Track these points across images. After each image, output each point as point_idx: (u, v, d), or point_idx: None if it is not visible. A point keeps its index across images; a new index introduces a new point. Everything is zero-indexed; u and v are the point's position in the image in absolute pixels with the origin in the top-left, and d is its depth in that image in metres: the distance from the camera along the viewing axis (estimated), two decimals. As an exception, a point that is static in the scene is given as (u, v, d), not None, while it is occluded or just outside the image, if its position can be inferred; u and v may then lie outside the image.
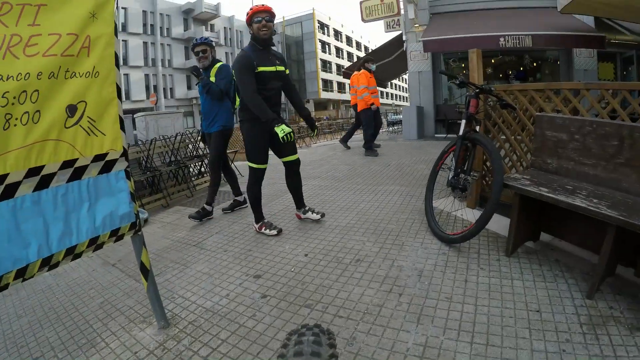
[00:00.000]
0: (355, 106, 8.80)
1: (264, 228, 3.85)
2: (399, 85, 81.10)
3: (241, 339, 2.25)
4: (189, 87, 44.18)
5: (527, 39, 8.28)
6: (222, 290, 2.88)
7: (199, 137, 5.15)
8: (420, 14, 11.58)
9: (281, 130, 3.31)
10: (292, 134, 3.35)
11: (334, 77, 57.00)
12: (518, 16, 9.95)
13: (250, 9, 3.48)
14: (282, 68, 3.69)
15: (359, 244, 3.36)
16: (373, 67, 8.61)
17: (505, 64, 12.38)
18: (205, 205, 4.68)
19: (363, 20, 12.94)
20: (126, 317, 2.74)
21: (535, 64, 12.04)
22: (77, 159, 2.11)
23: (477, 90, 3.37)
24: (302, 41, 52.59)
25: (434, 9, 11.78)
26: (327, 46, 57.26)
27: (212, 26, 46.75)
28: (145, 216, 5.09)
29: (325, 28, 57.18)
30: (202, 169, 7.37)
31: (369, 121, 8.52)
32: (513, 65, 12.26)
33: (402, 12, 12.22)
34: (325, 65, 56.13)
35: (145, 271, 2.45)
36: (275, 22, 3.56)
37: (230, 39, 49.50)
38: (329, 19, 58.13)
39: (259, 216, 3.93)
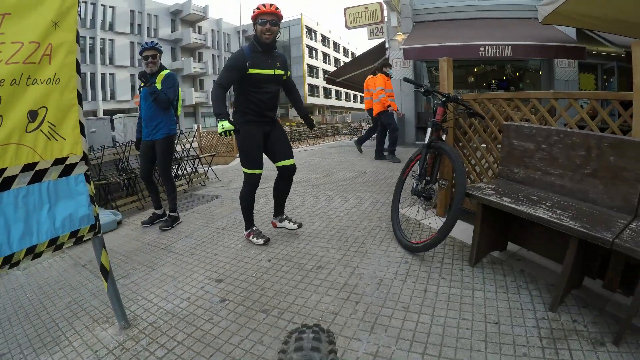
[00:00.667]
0: (370, 110, 8.53)
1: (252, 236, 3.66)
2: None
3: (196, 342, 2.27)
4: (175, 89, 43.94)
5: (507, 48, 8.32)
6: (183, 293, 2.89)
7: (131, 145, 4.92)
8: (403, 22, 11.60)
9: (220, 126, 3.10)
10: (231, 131, 3.11)
11: (320, 82, 56.96)
12: (499, 26, 10.06)
13: (257, 8, 3.31)
14: (281, 72, 3.51)
15: (323, 250, 3.32)
16: (391, 71, 8.43)
17: (488, 73, 12.50)
18: (170, 213, 4.64)
19: (347, 26, 12.91)
20: (90, 316, 2.78)
21: (517, 74, 12.17)
22: (37, 162, 2.18)
23: (444, 99, 3.34)
24: (290, 46, 52.43)
25: (417, 18, 11.81)
26: (314, 51, 57.35)
27: (199, 28, 46.59)
28: (119, 218, 5.00)
29: (313, 33, 57.24)
30: (179, 172, 7.25)
31: (392, 123, 8.10)
32: (495, 75, 12.37)
33: (386, 19, 12.24)
34: (312, 71, 56.20)
35: (105, 272, 2.50)
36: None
37: (217, 41, 49.39)
38: (317, 24, 58.19)
39: (249, 224, 3.75)
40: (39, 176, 2.22)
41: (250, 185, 3.59)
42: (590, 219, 2.13)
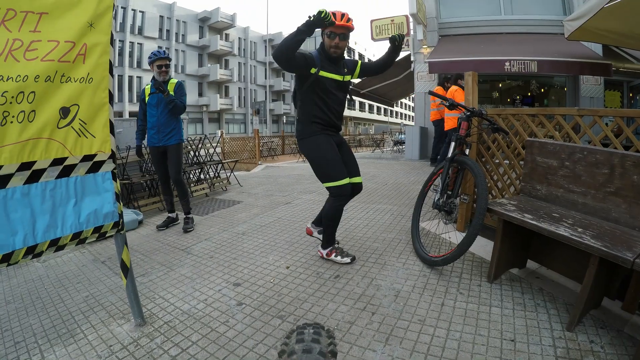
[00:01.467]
0: (436, 121, 8.69)
1: (335, 254, 3.27)
2: (408, 105, 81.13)
3: (210, 343, 2.29)
4: (200, 94, 44.72)
5: (532, 64, 8.23)
6: (201, 295, 2.92)
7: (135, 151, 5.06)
8: (429, 35, 11.61)
9: (318, 13, 2.69)
10: (326, 11, 2.69)
11: (343, 94, 57.36)
12: (525, 42, 9.96)
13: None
14: (348, 77, 3.23)
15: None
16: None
17: (513, 88, 12.36)
18: (186, 216, 4.75)
19: (373, 38, 12.92)
20: (107, 312, 2.81)
21: (542, 90, 12.01)
22: (66, 158, 2.25)
23: (468, 113, 3.33)
24: None
25: (442, 32, 11.80)
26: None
27: (227, 35, 47.32)
28: (140, 218, 5.12)
29: (351, 52, 56.98)
30: (202, 176, 7.36)
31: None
32: (520, 90, 12.23)
33: (412, 32, 12.23)
34: None
35: (125, 269, 2.55)
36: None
37: (244, 49, 50.04)
38: (355, 43, 58.01)
39: (331, 240, 3.32)
40: (67, 171, 2.29)
41: (341, 198, 3.10)
42: (611, 238, 2.10)
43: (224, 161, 7.94)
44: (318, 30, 3.04)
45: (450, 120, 7.81)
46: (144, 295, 3.00)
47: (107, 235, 2.50)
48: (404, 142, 17.23)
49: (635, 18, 5.23)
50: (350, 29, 2.99)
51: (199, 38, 44.62)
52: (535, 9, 11.07)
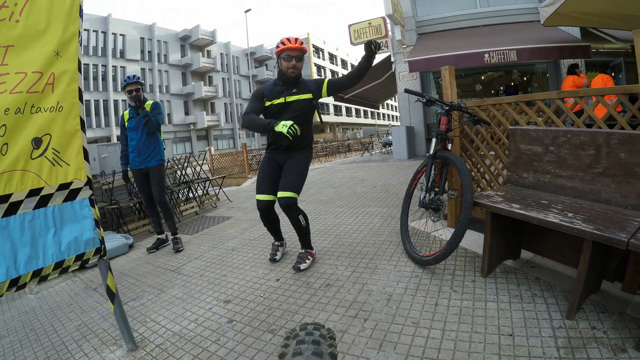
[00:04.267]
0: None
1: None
2: (394, 106, 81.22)
3: None
4: (187, 113, 44.62)
5: (511, 53, 8.28)
6: (191, 315, 2.90)
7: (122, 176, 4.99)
8: (407, 35, 11.70)
9: (282, 126, 2.91)
10: (294, 126, 2.90)
11: (330, 100, 57.05)
12: (503, 32, 10.04)
13: (282, 43, 3.25)
14: (295, 97, 3.30)
15: (332, 268, 3.26)
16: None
17: (495, 80, 12.45)
18: (172, 237, 4.70)
19: (352, 43, 13.00)
20: (99, 339, 2.80)
21: (525, 78, 12.09)
22: (42, 188, 2.26)
23: (447, 108, 3.28)
24: None
25: (420, 30, 11.91)
26: (322, 70, 57.74)
27: (208, 52, 47.43)
28: (131, 241, 5.07)
29: (321, 52, 57.76)
30: (190, 195, 7.27)
31: None
32: (503, 81, 12.32)
33: (390, 33, 12.29)
34: None
35: (111, 295, 2.54)
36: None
37: (226, 64, 50.12)
38: (324, 42, 58.66)
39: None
40: (44, 201, 2.27)
41: (259, 211, 3.40)
42: (603, 220, 2.05)
43: (211, 178, 7.86)
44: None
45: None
46: (135, 320, 2.97)
47: (90, 262, 2.49)
48: (391, 143, 17.29)
49: None
50: (304, 51, 3.33)
51: (181, 57, 44.65)
52: (510, -2, 11.16)
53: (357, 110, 66.07)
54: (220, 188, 7.98)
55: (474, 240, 3.24)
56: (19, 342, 2.88)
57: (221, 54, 49.19)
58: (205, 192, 7.57)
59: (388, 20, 11.79)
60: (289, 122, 2.92)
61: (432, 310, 2.36)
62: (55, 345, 2.80)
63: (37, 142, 2.23)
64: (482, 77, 12.48)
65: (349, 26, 13.18)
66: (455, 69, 3.76)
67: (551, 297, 2.35)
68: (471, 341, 2.00)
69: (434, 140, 3.24)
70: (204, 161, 8.60)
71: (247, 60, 52.04)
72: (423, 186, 3.27)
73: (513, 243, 2.86)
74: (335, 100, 18.59)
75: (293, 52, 3.25)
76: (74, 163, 2.41)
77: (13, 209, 2.14)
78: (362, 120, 68.67)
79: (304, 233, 3.41)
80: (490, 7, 11.33)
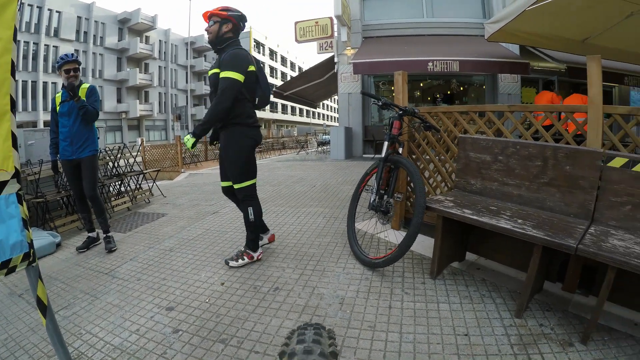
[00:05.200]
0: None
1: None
2: (331, 106, 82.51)
3: None
4: (119, 100, 42.44)
5: (454, 64, 8.65)
6: (132, 325, 2.67)
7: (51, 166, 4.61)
8: (352, 37, 11.87)
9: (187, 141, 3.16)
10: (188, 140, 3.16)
11: (266, 97, 57.58)
12: (447, 43, 10.47)
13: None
14: (212, 71, 3.25)
15: (279, 270, 3.20)
16: None
17: (434, 87, 12.97)
18: (106, 235, 4.35)
19: (297, 40, 12.98)
20: (30, 356, 2.51)
21: (462, 88, 12.70)
22: None
23: (401, 112, 3.32)
24: None
25: (366, 33, 12.12)
26: (262, 65, 57.34)
27: (147, 38, 45.41)
28: (58, 240, 4.58)
29: (261, 47, 57.33)
30: (122, 189, 6.85)
31: None
32: (441, 89, 12.87)
33: (336, 34, 12.43)
34: None
35: (42, 307, 2.22)
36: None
37: (164, 52, 48.26)
38: (265, 38, 58.37)
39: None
40: None
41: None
42: (550, 227, 2.19)
43: (145, 171, 7.46)
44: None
45: None
46: (68, 332, 2.70)
47: (17, 269, 2.14)
48: (328, 143, 17.44)
49: (550, 20, 5.68)
50: (204, 17, 3.35)
51: (118, 40, 42.34)
52: (456, 12, 11.76)
53: (293, 108, 66.39)
54: (154, 182, 7.60)
55: (418, 243, 3.27)
56: None
57: (160, 40, 47.30)
58: (138, 186, 7.17)
59: (335, 21, 11.89)
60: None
61: (386, 313, 2.38)
62: None
63: None
64: (421, 84, 12.94)
65: (295, 23, 13.09)
66: (394, 73, 3.84)
67: (499, 297, 2.48)
68: (429, 342, 2.06)
69: (385, 143, 3.26)
70: (138, 152, 8.17)
71: (187, 49, 50.49)
72: (373, 189, 3.29)
73: (459, 246, 2.98)
74: (274, 97, 18.50)
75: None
76: (1, 150, 2.10)
77: None
78: (297, 118, 69.09)
79: (249, 229, 3.32)
80: (435, 18, 11.78)
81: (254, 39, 53.97)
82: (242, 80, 3.11)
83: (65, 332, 2.63)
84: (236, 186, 3.27)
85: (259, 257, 3.44)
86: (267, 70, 57.90)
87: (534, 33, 6.28)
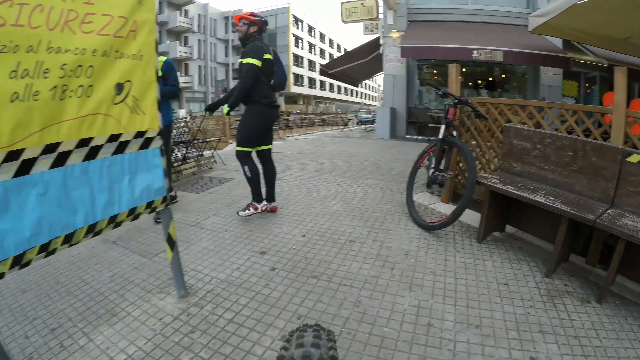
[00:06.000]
0: None
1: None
2: (370, 85, 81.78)
3: (260, 304, 2.50)
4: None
5: (498, 54, 8.91)
6: (232, 264, 3.07)
7: None
8: (398, 20, 12.12)
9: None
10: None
11: (305, 72, 57.12)
12: (491, 31, 10.61)
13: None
14: (239, 61, 4.06)
15: (350, 227, 3.75)
16: None
17: (476, 73, 13.09)
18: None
19: (343, 20, 13.29)
20: (141, 288, 2.83)
21: (504, 76, 12.82)
22: (121, 134, 2.26)
23: (456, 101, 3.88)
24: (276, 34, 52.07)
25: (411, 17, 12.30)
26: (300, 41, 57.11)
27: (186, 12, 45.90)
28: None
29: (300, 23, 56.98)
30: (187, 155, 7.50)
31: None
32: (483, 76, 13.01)
33: (381, 16, 12.69)
34: (297, 60, 56.00)
35: (171, 242, 2.59)
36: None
37: (204, 26, 48.75)
38: (304, 14, 58.06)
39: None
40: (122, 147, 2.28)
41: None
42: (576, 205, 2.71)
43: (208, 139, 8.13)
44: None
45: None
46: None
47: (157, 209, 2.53)
48: (369, 121, 17.58)
49: (595, 16, 5.92)
50: (235, 20, 4.11)
51: (158, 14, 42.95)
52: (501, 0, 11.75)
53: (332, 85, 66.10)
54: (215, 150, 8.23)
55: (466, 215, 3.72)
56: (47, 295, 2.80)
57: (199, 14, 47.71)
58: (200, 152, 7.78)
59: (381, 3, 12.18)
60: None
61: (443, 264, 2.96)
62: (93, 297, 2.78)
63: (119, 87, 2.21)
64: (464, 69, 13.06)
65: (342, 3, 13.36)
66: (441, 60, 4.35)
67: (532, 261, 3.02)
68: (478, 286, 2.63)
69: (442, 126, 3.83)
70: (202, 123, 8.83)
71: (225, 23, 50.93)
72: (430, 165, 3.87)
73: (501, 218, 3.51)
74: (320, 74, 18.75)
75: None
76: (149, 112, 2.41)
77: (93, 153, 2.11)
78: (335, 95, 68.76)
79: (249, 184, 4.13)
80: (480, 5, 11.89)
81: (293, 15, 53.62)
82: (259, 65, 3.86)
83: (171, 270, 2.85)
84: (237, 148, 4.10)
85: (263, 209, 4.20)
86: (305, 46, 57.19)
87: (578, 28, 6.50)
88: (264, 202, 4.21)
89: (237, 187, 5.60)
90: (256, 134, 4.06)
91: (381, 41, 12.80)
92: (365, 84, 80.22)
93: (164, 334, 2.33)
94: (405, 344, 2.09)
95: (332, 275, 2.83)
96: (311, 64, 58.91)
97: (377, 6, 12.76)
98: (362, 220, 3.97)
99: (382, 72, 13.78)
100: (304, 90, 58.00)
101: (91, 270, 3.21)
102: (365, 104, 45.45)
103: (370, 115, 21.24)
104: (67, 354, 2.28)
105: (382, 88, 14.37)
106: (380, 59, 13.28)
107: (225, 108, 3.93)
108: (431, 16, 12.24)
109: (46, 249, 1.95)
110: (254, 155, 4.15)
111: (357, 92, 75.96)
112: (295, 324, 2.30)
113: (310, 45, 60.68)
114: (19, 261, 1.84)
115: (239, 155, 4.05)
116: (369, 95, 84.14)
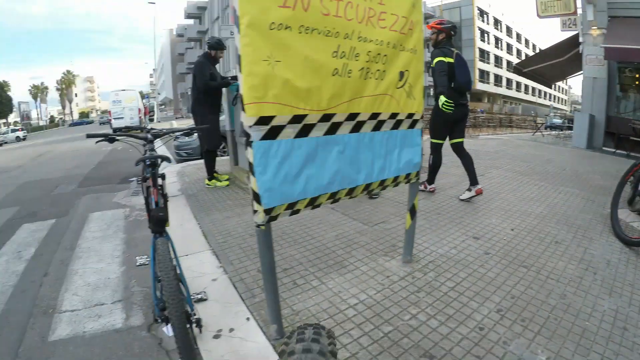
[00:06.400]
0: None
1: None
2: (560, 87, 72.92)
3: (478, 280, 2.85)
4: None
5: None
6: (448, 243, 3.47)
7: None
8: (598, 15, 11.03)
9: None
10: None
11: (492, 68, 53.86)
12: None
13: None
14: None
15: (555, 230, 4.04)
16: None
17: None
18: None
19: (538, 15, 12.68)
20: (367, 249, 3.22)
21: None
22: (398, 114, 2.62)
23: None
24: (460, 27, 48.90)
25: (612, 12, 11.01)
26: (486, 35, 53.66)
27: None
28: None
29: (485, 15, 53.54)
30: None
31: None
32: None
33: (579, 11, 11.74)
34: (483, 55, 52.91)
35: (413, 212, 3.00)
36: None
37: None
38: (489, 5, 54.26)
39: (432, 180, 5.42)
40: (397, 124, 2.61)
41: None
42: None
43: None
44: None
45: None
46: (396, 240, 3.44)
47: (411, 181, 2.89)
48: (561, 127, 16.27)
49: None
50: (432, 29, 5.05)
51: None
52: None
53: (518, 84, 61.02)
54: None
55: None
56: (275, 242, 2.79)
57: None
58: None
59: (580, -3, 11.07)
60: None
61: None
62: (321, 249, 3.19)
63: (401, 75, 2.51)
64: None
65: (538, -4, 12.63)
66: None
67: None
68: None
69: None
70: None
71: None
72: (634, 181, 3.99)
73: None
74: (513, 72, 17.53)
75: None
76: (418, 98, 2.71)
77: (379, 126, 2.45)
78: (522, 95, 63.18)
79: (428, 169, 5.31)
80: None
81: (477, 7, 50.62)
82: (445, 61, 4.70)
83: (392, 239, 3.40)
84: (430, 139, 5.08)
85: (431, 190, 5.33)
86: (491, 40, 53.34)
87: None
88: (434, 185, 5.38)
89: (440, 177, 5.85)
90: (439, 128, 5.00)
91: (580, 39, 11.80)
92: (555, 84, 72.20)
93: (392, 289, 2.71)
94: (602, 339, 2.31)
95: (541, 269, 3.14)
96: (497, 60, 55.24)
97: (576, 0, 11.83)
98: (566, 225, 4.22)
99: (577, 74, 12.91)
100: (490, 87, 54.71)
101: (316, 228, 3.75)
102: (555, 108, 40.54)
103: (561, 121, 19.45)
104: (300, 290, 2.67)
105: (573, 90, 13.12)
106: (576, 58, 12.32)
107: (441, 99, 4.72)
108: (635, 11, 10.68)
109: (334, 197, 2.32)
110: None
111: (545, 93, 69.14)
112: (509, 302, 2.64)
113: (497, 39, 56.58)
114: (313, 202, 2.22)
115: (431, 146, 5.09)
116: (559, 97, 75.27)
